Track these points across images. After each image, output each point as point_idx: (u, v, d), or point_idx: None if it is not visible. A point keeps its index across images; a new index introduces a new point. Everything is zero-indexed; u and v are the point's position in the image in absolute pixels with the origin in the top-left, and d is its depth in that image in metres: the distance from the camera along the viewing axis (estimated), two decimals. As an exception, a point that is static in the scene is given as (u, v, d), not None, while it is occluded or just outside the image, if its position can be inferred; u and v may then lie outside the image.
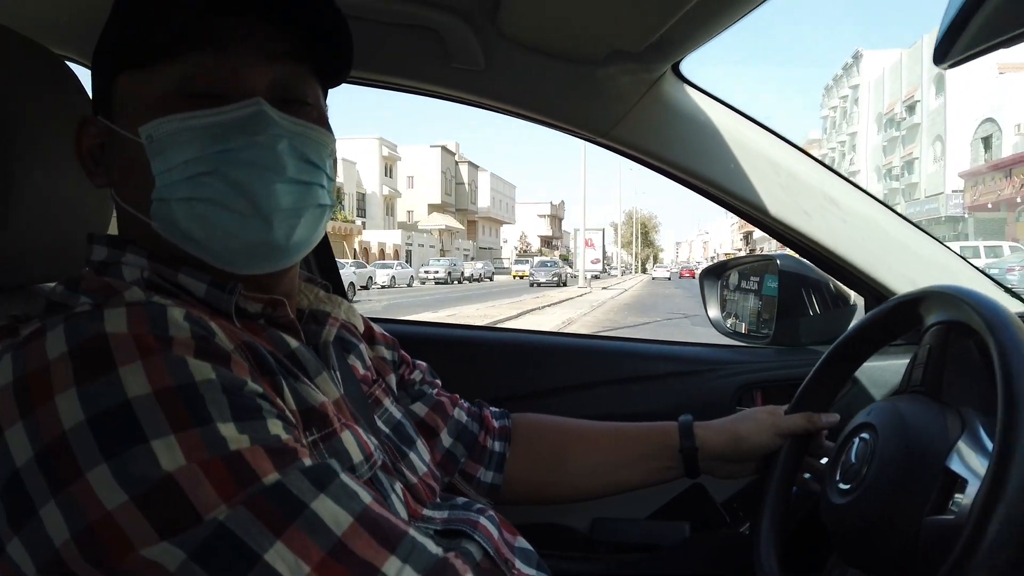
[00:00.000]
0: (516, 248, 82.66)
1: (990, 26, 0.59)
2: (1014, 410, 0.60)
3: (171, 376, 0.51)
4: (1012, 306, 1.15)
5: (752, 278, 1.50)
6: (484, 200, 71.55)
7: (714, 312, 1.55)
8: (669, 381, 1.39)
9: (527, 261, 46.88)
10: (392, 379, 0.91)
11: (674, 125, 1.23)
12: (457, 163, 65.83)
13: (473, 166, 69.28)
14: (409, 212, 60.53)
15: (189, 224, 0.63)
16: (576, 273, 38.45)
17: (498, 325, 12.75)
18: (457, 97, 1.25)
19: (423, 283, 37.18)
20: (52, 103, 0.79)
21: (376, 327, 0.95)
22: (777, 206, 1.25)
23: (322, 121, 0.69)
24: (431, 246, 54.00)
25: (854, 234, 1.25)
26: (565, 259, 60.82)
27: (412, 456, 0.81)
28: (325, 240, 1.48)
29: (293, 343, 0.68)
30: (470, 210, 68.80)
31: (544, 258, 50.25)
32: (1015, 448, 0.58)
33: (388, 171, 54.66)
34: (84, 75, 0.79)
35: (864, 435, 0.80)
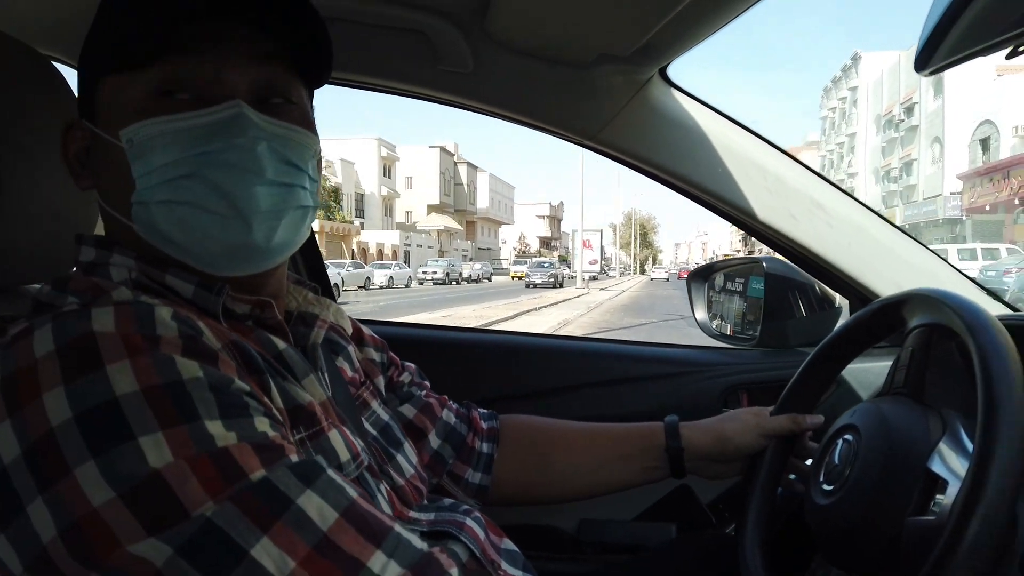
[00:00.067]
0: (515, 249, 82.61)
1: (969, 35, 0.60)
2: (993, 412, 0.61)
3: (158, 374, 0.51)
4: (994, 309, 1.16)
5: (738, 280, 1.51)
6: (483, 201, 71.51)
7: (701, 314, 1.56)
8: (656, 382, 1.40)
9: (526, 262, 46.81)
10: (380, 381, 0.92)
11: (661, 129, 1.24)
12: (456, 164, 65.80)
13: (472, 167, 69.25)
14: (408, 213, 60.48)
15: (169, 227, 0.63)
16: (574, 274, 38.36)
17: (494, 326, 12.77)
18: (445, 99, 1.26)
19: (421, 284, 37.16)
20: (39, 104, 0.79)
21: (365, 329, 0.95)
22: (765, 210, 1.26)
23: (305, 122, 0.70)
24: (429, 247, 53.98)
25: (840, 238, 1.26)
26: (564, 260, 60.79)
27: (399, 458, 0.81)
28: (313, 242, 1.49)
29: (281, 344, 0.68)
30: (469, 211, 68.77)
31: (540, 259, 50.19)
32: (994, 450, 0.59)
33: (387, 171, 54.63)
34: (75, 76, 0.79)
35: (847, 436, 0.81)
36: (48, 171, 0.78)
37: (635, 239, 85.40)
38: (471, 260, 55.61)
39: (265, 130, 0.64)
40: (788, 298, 1.37)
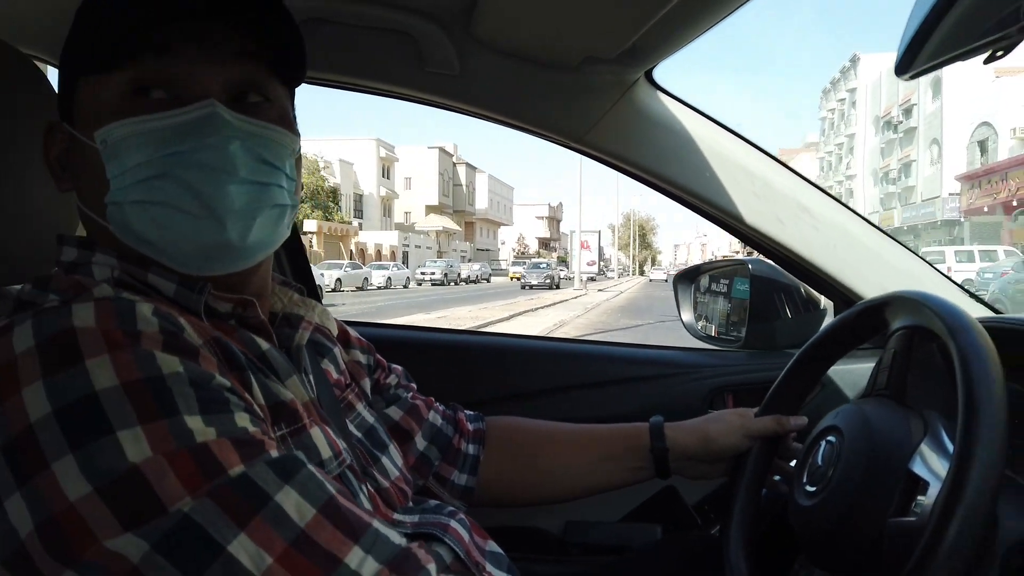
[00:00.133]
0: (514, 250, 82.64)
1: (949, 40, 0.61)
2: (973, 414, 0.61)
3: (139, 369, 0.52)
4: (975, 311, 1.16)
5: (723, 281, 1.52)
6: (482, 202, 71.48)
7: (687, 316, 1.56)
8: (642, 384, 1.40)
9: (525, 263, 46.75)
10: (366, 383, 0.92)
11: (647, 131, 1.24)
12: (455, 164, 65.77)
13: (471, 167, 69.23)
14: (406, 213, 60.44)
15: (143, 227, 0.63)
16: (571, 275, 38.29)
17: (489, 327, 12.75)
18: (432, 101, 1.26)
19: (420, 284, 37.11)
20: (20, 103, 0.79)
21: (352, 331, 0.95)
22: (751, 213, 1.26)
23: (283, 121, 0.69)
24: (428, 247, 53.97)
25: (825, 240, 1.27)
26: (563, 261, 60.75)
27: (384, 460, 0.81)
28: (299, 243, 1.49)
29: (264, 345, 0.68)
30: (468, 211, 68.74)
31: (536, 260, 50.06)
32: (974, 451, 0.59)
33: (385, 172, 54.59)
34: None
35: (830, 438, 0.81)
36: (32, 172, 0.78)
37: (634, 240, 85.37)
38: (470, 261, 55.59)
39: (239, 129, 0.64)
40: (774, 300, 1.38)
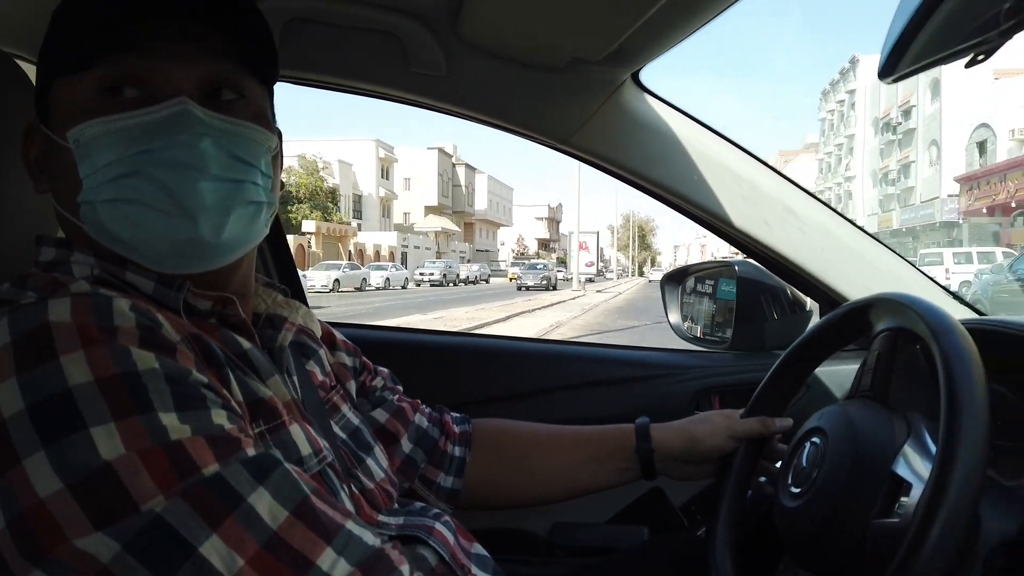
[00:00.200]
0: (513, 251, 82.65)
1: (932, 44, 0.61)
2: (956, 415, 0.61)
3: (114, 365, 0.51)
4: (958, 313, 1.16)
5: (708, 282, 1.52)
6: (481, 202, 71.50)
7: (675, 317, 1.56)
8: (629, 385, 1.40)
9: (524, 264, 46.69)
10: (352, 386, 0.92)
11: (634, 133, 1.24)
12: (454, 165, 65.78)
13: (470, 168, 69.25)
14: (406, 214, 60.44)
15: (115, 225, 0.63)
16: (570, 276, 38.21)
17: (486, 328, 12.74)
18: (418, 102, 1.26)
19: (418, 285, 37.10)
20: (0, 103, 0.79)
21: (338, 334, 0.95)
22: (739, 216, 1.27)
23: (259, 118, 0.69)
24: (427, 248, 53.96)
25: (812, 243, 1.27)
26: (562, 262, 60.74)
27: (369, 462, 0.81)
28: (284, 244, 1.49)
29: (245, 344, 0.68)
30: (467, 212, 68.75)
31: (533, 261, 49.98)
32: (956, 453, 0.60)
33: (385, 173, 54.60)
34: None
35: (815, 439, 0.81)
36: (15, 173, 0.77)
37: (633, 241, 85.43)
38: (469, 262, 55.52)
39: (211, 126, 0.64)
40: (760, 302, 1.38)
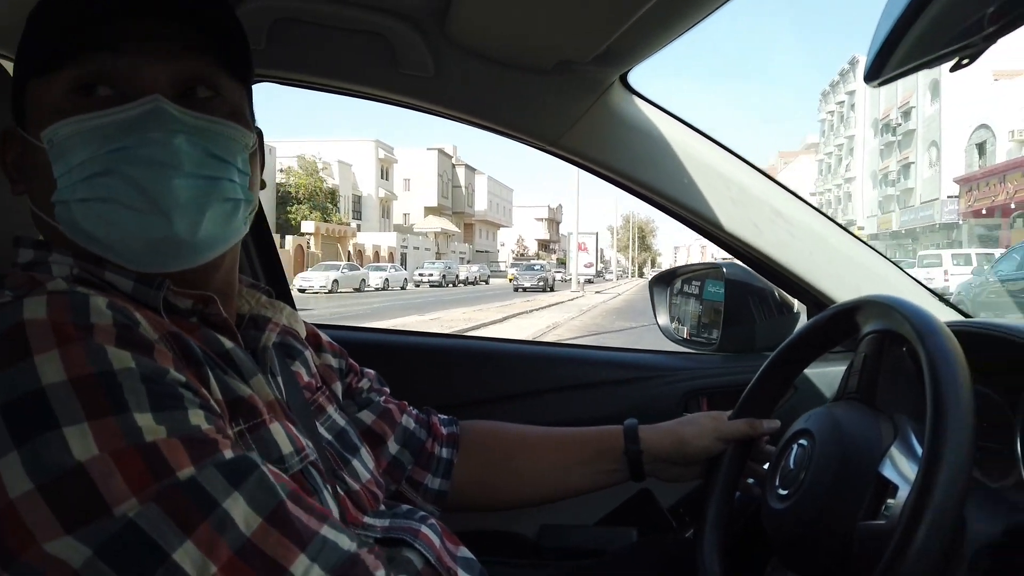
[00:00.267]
0: (513, 252, 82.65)
1: (917, 48, 0.62)
2: (941, 417, 0.62)
3: (89, 363, 0.51)
4: (944, 315, 1.16)
5: (695, 283, 1.52)
6: (481, 203, 71.47)
7: (663, 319, 1.57)
8: (618, 387, 1.41)
9: (523, 264, 46.62)
10: (338, 387, 0.92)
11: (622, 135, 1.25)
12: (454, 166, 65.78)
13: (470, 169, 69.24)
14: (405, 215, 60.42)
15: (90, 224, 0.63)
16: (569, 277, 38.15)
17: (482, 328, 12.73)
18: (406, 103, 1.26)
19: (418, 286, 37.09)
20: None
21: (323, 335, 0.95)
22: (728, 219, 1.27)
23: (235, 115, 0.69)
24: (427, 249, 53.95)
25: (799, 245, 1.28)
26: (562, 263, 60.71)
27: (355, 463, 0.81)
28: (271, 245, 1.49)
29: (227, 343, 0.68)
30: (467, 213, 68.73)
31: (531, 262, 49.85)
32: (942, 454, 0.60)
33: (384, 173, 54.58)
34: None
35: (802, 441, 0.81)
36: None
37: (633, 242, 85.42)
38: (468, 263, 55.52)
39: (185, 123, 0.64)
40: (748, 304, 1.39)
